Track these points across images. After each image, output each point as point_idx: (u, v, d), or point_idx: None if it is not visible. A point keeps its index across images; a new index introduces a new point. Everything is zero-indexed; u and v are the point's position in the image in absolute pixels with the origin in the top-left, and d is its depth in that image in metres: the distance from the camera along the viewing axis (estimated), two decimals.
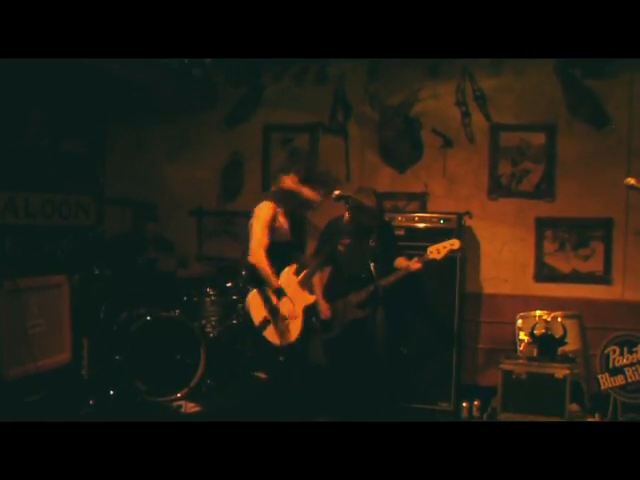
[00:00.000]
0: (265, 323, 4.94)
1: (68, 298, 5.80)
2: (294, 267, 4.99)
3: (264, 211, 5.00)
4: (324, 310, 5.51)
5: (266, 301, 4.94)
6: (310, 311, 5.05)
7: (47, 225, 6.17)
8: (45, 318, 5.57)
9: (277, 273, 4.96)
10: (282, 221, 5.07)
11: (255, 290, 5.02)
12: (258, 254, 4.91)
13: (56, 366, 5.62)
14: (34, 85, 6.23)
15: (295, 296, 4.93)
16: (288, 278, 4.97)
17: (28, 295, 5.40)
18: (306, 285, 4.98)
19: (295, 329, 4.94)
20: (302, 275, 4.97)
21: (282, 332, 4.91)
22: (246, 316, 5.09)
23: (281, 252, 4.96)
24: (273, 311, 4.92)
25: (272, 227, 4.98)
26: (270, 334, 4.94)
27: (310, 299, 5.01)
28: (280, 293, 4.91)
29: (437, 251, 5.29)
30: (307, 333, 5.02)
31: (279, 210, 5.05)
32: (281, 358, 5.00)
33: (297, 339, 4.97)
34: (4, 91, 6.05)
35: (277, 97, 7.36)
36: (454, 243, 5.31)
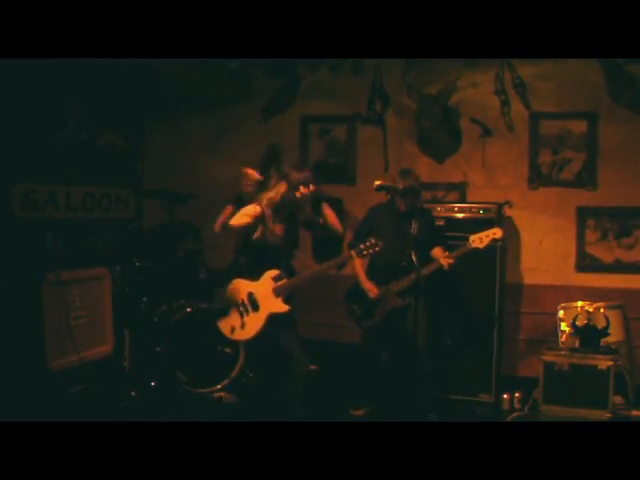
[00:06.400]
0: (222, 312, 4.94)
1: (109, 290, 5.86)
2: (275, 273, 4.79)
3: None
4: (371, 288, 5.51)
5: (234, 293, 4.90)
6: (274, 318, 4.80)
7: (88, 218, 6.23)
8: (87, 310, 5.64)
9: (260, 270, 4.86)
10: (275, 226, 4.84)
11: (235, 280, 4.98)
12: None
13: (98, 357, 5.70)
14: (73, 80, 6.29)
15: (265, 301, 4.76)
16: (265, 282, 4.80)
17: (70, 287, 5.47)
18: (281, 294, 4.76)
19: (251, 330, 4.81)
20: (280, 283, 4.77)
21: (235, 327, 4.87)
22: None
23: (270, 256, 4.83)
24: (236, 304, 4.86)
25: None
26: (223, 324, 4.93)
27: (281, 308, 4.75)
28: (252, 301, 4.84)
29: (480, 240, 5.26)
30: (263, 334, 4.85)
31: (271, 214, 4.84)
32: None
33: (249, 339, 4.91)
34: (44, 86, 6.13)
35: (314, 88, 7.35)
36: (497, 232, 5.27)
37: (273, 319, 4.75)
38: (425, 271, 5.24)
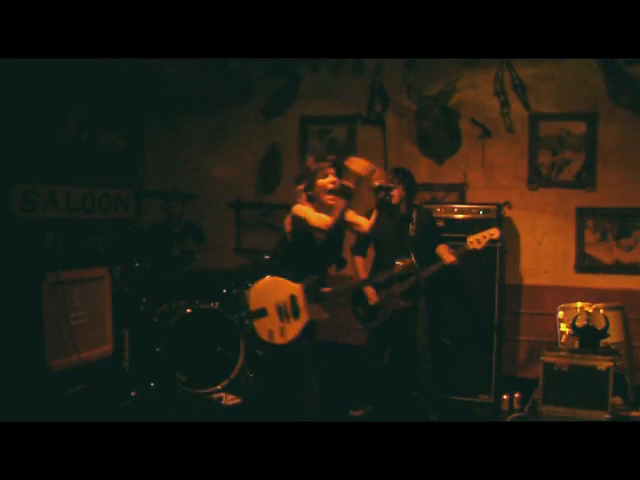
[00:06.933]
0: (261, 313, 4.52)
1: (109, 290, 5.86)
2: (321, 277, 4.60)
3: None
4: (371, 296, 5.52)
5: (279, 290, 4.55)
6: (311, 326, 4.59)
7: (88, 218, 6.21)
8: (87, 310, 5.63)
9: (303, 273, 4.57)
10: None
11: (270, 278, 4.62)
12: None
13: (98, 358, 5.68)
14: (73, 80, 6.29)
15: (307, 306, 4.50)
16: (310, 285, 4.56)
17: (71, 287, 5.46)
18: (323, 300, 4.56)
19: (289, 336, 4.49)
20: (326, 289, 4.59)
21: (274, 332, 4.49)
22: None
23: (314, 256, 4.55)
24: (278, 307, 4.51)
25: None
26: (260, 326, 4.51)
27: (322, 315, 4.56)
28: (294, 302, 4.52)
29: (477, 241, 5.26)
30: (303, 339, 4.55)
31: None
32: (260, 352, 4.91)
33: (285, 344, 4.51)
34: (45, 86, 6.13)
35: (314, 89, 7.36)
36: (494, 232, 5.27)
37: (308, 325, 4.54)
38: (425, 273, 5.24)
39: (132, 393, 5.49)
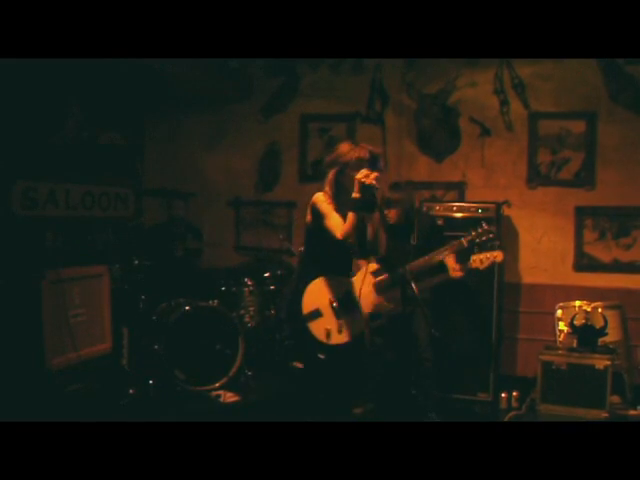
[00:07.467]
0: (314, 314, 4.34)
1: (109, 288, 5.86)
2: (375, 267, 4.43)
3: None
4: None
5: (331, 288, 4.34)
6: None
7: (87, 216, 6.22)
8: (86, 308, 5.63)
9: (324, 266, 4.39)
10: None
11: (319, 279, 4.40)
12: None
13: (97, 356, 5.69)
14: (73, 80, 6.29)
15: (366, 299, 4.30)
16: (364, 276, 4.32)
17: (70, 285, 5.46)
18: (383, 291, 4.43)
19: (348, 331, 4.32)
20: (382, 278, 4.49)
21: (331, 330, 4.31)
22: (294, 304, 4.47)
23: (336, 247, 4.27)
24: (332, 305, 4.33)
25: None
26: (316, 328, 4.34)
27: (387, 306, 4.40)
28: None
29: (480, 261, 5.26)
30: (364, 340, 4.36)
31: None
32: (321, 356, 4.41)
33: (346, 343, 4.33)
34: (45, 85, 6.13)
35: (313, 87, 7.36)
36: (498, 255, 5.27)
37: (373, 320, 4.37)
38: (427, 283, 5.27)
39: (131, 391, 5.50)
